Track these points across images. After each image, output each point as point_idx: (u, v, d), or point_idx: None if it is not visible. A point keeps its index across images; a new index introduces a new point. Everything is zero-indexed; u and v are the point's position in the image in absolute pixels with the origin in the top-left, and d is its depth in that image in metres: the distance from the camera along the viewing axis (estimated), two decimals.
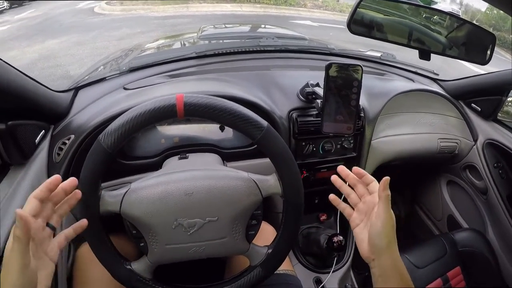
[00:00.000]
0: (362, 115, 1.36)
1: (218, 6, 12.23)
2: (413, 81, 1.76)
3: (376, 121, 1.44)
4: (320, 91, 1.14)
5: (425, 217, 2.20)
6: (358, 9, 1.07)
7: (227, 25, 3.05)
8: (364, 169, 1.44)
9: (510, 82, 1.55)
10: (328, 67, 0.98)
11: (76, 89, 1.34)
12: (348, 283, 1.50)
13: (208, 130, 1.25)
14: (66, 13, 10.80)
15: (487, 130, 1.73)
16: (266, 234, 1.17)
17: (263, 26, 3.15)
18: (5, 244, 0.84)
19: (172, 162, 1.13)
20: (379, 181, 0.77)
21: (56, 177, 0.68)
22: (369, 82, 1.50)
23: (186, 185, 0.82)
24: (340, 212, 1.32)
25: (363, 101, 1.39)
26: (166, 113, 0.75)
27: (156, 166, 1.16)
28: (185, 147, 1.22)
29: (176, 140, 1.23)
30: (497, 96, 1.64)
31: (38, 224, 0.67)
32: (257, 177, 0.86)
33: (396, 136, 1.60)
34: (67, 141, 1.09)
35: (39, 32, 8.46)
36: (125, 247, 1.06)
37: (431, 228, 2.14)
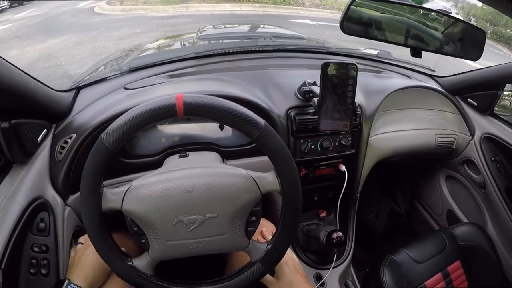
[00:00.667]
0: (358, 112, 1.37)
1: (218, 6, 12.22)
2: (409, 78, 1.77)
3: (373, 118, 1.46)
4: (317, 89, 1.15)
5: (425, 212, 2.21)
6: (350, 9, 1.08)
7: (226, 25, 3.06)
8: (362, 166, 1.46)
9: (506, 76, 1.56)
10: (324, 66, 1.00)
11: (78, 89, 1.36)
12: (349, 278, 1.51)
13: (207, 129, 1.27)
14: (66, 12, 10.82)
15: (484, 124, 1.74)
16: (267, 230, 1.18)
17: (261, 26, 3.16)
18: (9, 239, 0.87)
19: (173, 161, 1.15)
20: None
21: None
22: (366, 79, 1.52)
23: (186, 183, 0.83)
24: (339, 208, 1.34)
25: (360, 98, 1.41)
26: (166, 113, 0.76)
27: (157, 164, 1.18)
28: (185, 146, 1.23)
29: (176, 139, 1.24)
30: (493, 91, 1.66)
31: None
32: (256, 174, 0.87)
33: (394, 132, 1.62)
34: (69, 140, 1.11)
35: (39, 31, 8.49)
36: (126, 243, 1.07)
37: (431, 223, 2.15)
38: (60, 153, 1.11)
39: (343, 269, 1.51)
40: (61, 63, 5.93)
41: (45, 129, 1.13)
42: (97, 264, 0.98)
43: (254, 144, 1.01)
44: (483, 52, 1.24)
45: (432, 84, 1.77)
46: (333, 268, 1.47)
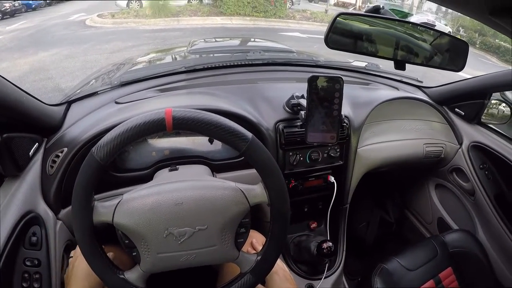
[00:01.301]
0: (345, 124, 1.39)
1: (209, 19, 12.31)
2: (397, 89, 1.80)
3: (361, 130, 1.47)
4: (304, 102, 1.16)
5: (416, 221, 2.22)
6: (334, 24, 1.10)
7: (217, 39, 3.08)
8: (351, 177, 1.47)
9: (491, 85, 1.60)
10: (310, 80, 1.02)
11: (69, 103, 1.36)
12: None
13: (197, 143, 1.28)
14: (57, 25, 10.82)
15: (471, 133, 1.76)
16: (257, 242, 1.19)
17: (252, 39, 3.19)
18: (1, 253, 0.87)
19: (163, 174, 1.16)
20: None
21: None
22: (354, 91, 1.55)
23: (176, 196, 0.84)
24: (329, 219, 1.35)
25: (348, 110, 1.43)
26: (156, 127, 0.78)
27: (147, 178, 1.19)
28: (175, 159, 1.24)
29: (166, 152, 1.25)
30: (480, 100, 1.68)
31: None
32: (244, 186, 0.89)
33: (382, 143, 1.64)
34: (60, 154, 1.12)
35: (30, 44, 8.48)
36: (118, 256, 1.07)
37: (422, 231, 2.16)
38: (52, 167, 1.12)
39: (335, 279, 1.52)
40: (52, 76, 5.92)
41: (37, 143, 1.14)
42: (90, 276, 0.99)
43: (243, 157, 1.02)
44: (473, 62, 1.26)
45: (419, 95, 1.79)
46: (325, 278, 1.48)
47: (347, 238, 1.63)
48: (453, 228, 1.92)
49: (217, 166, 1.28)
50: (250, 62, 1.69)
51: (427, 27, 1.31)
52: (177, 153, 1.26)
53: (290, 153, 1.35)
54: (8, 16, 12.26)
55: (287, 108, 1.34)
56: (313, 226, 1.61)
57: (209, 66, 1.60)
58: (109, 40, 8.95)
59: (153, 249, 0.85)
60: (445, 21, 18.55)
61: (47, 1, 15.32)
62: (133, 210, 0.83)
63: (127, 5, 12.70)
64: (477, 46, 15.70)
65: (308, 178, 1.43)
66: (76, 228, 0.80)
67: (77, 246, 1.07)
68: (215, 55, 2.30)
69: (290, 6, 15.66)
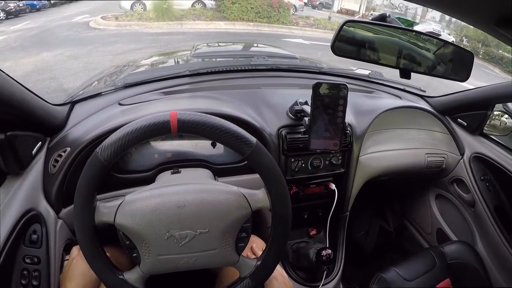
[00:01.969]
0: (348, 131, 1.39)
1: (212, 24, 12.31)
2: (400, 98, 1.80)
3: (363, 138, 1.47)
4: (308, 109, 1.17)
5: (415, 231, 2.21)
6: (341, 32, 1.10)
7: (220, 44, 3.10)
8: (352, 185, 1.47)
9: (494, 96, 1.59)
10: (315, 86, 1.02)
11: (72, 103, 1.36)
12: None
13: (200, 146, 1.28)
14: (61, 26, 10.84)
15: (473, 144, 1.76)
16: (257, 247, 1.19)
17: (255, 45, 3.20)
18: (1, 250, 0.87)
19: (165, 177, 1.16)
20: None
21: None
22: (357, 99, 1.55)
23: (178, 198, 0.84)
24: (329, 226, 1.34)
25: (351, 118, 1.43)
26: (160, 129, 0.78)
27: (149, 180, 1.19)
28: (178, 162, 1.24)
29: (168, 155, 1.26)
30: (483, 111, 1.68)
31: None
32: (247, 191, 0.89)
33: (384, 152, 1.64)
34: (63, 154, 1.12)
35: (34, 44, 8.47)
36: (118, 257, 1.07)
37: (421, 241, 2.15)
38: (54, 166, 1.12)
39: (332, 287, 1.52)
40: (55, 76, 5.92)
41: (40, 142, 1.14)
42: (86, 276, 0.98)
43: (246, 161, 1.02)
44: (476, 72, 1.26)
45: (422, 104, 1.79)
46: (323, 285, 1.47)
47: (346, 246, 1.63)
48: (452, 239, 1.91)
49: (219, 170, 1.28)
50: (254, 67, 1.69)
51: (433, 36, 1.31)
52: (179, 156, 1.26)
53: (292, 159, 1.35)
54: (12, 16, 12.27)
55: (290, 114, 1.34)
56: (313, 233, 1.60)
57: (213, 70, 1.61)
58: (112, 42, 8.97)
59: (154, 250, 0.85)
60: (448, 31, 18.58)
61: (52, 1, 15.34)
62: (135, 211, 0.83)
63: (131, 7, 12.71)
64: (480, 56, 15.71)
65: (309, 185, 1.43)
66: (77, 227, 0.80)
67: (73, 247, 1.08)
68: (218, 59, 2.31)
69: (293, 12, 15.68)
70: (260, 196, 0.88)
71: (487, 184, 1.73)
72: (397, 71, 1.25)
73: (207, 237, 0.85)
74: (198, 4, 13.87)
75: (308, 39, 11.34)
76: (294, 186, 1.40)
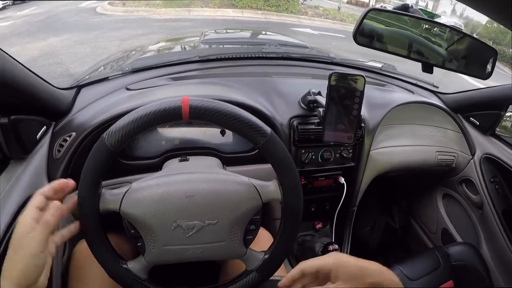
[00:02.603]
0: (362, 125, 1.37)
1: (220, 11, 12.29)
2: (413, 93, 1.76)
3: (375, 132, 1.45)
4: (322, 99, 1.14)
5: (420, 229, 2.19)
6: (364, 21, 1.07)
7: (228, 31, 3.06)
8: (361, 179, 1.45)
9: (509, 97, 1.55)
10: (331, 77, 0.99)
11: (79, 87, 1.34)
12: None
13: (208, 134, 1.26)
14: (68, 11, 10.85)
15: (485, 144, 1.72)
16: (263, 239, 1.17)
17: (264, 32, 3.17)
18: (3, 237, 0.85)
19: (173, 164, 1.13)
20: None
21: (63, 182, 0.71)
22: (369, 92, 1.51)
23: (187, 187, 0.82)
24: (336, 220, 1.32)
25: (363, 111, 1.40)
26: (171, 115, 0.75)
27: (156, 167, 1.17)
28: (185, 150, 1.22)
29: (176, 142, 1.23)
30: (496, 111, 1.64)
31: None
32: (258, 182, 0.86)
33: (395, 147, 1.61)
34: (68, 138, 1.10)
35: (41, 29, 8.50)
36: (122, 246, 1.06)
37: (425, 241, 2.13)
38: (59, 151, 1.10)
39: None
40: (61, 61, 5.93)
41: (45, 126, 1.11)
42: (101, 277, 0.97)
43: (255, 151, 0.99)
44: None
45: (435, 100, 1.76)
46: None
47: (351, 241, 1.61)
48: (457, 240, 1.89)
49: (227, 159, 1.25)
50: (265, 55, 1.67)
51: (458, 30, 1.28)
52: (187, 143, 1.24)
53: (303, 151, 1.33)
54: (19, 2, 12.27)
55: (302, 105, 1.32)
56: (319, 227, 1.59)
57: (224, 57, 1.58)
58: (119, 28, 8.97)
59: (160, 240, 0.83)
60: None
61: None
62: (142, 199, 0.81)
63: None
64: None
65: (318, 178, 1.41)
66: (81, 214, 0.78)
67: (81, 242, 1.07)
68: (228, 46, 2.28)
69: (302, 1, 15.64)
70: (271, 188, 0.85)
71: (497, 186, 1.70)
72: (409, 65, 1.23)
73: (215, 228, 0.83)
74: None
75: (317, 29, 11.30)
76: (303, 178, 1.38)
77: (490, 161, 1.69)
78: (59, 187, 0.71)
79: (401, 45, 1.18)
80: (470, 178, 1.77)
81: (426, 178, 2.06)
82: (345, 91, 1.00)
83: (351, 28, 1.14)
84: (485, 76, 1.17)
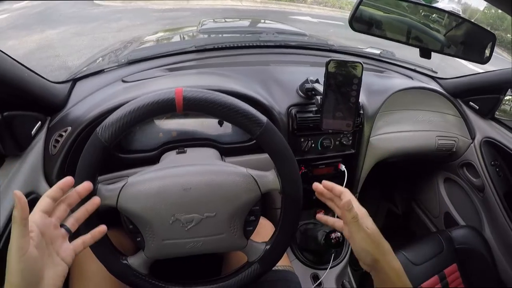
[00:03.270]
0: (361, 112, 1.36)
1: (219, 0, 12.19)
2: (412, 78, 1.76)
3: (375, 118, 1.44)
4: (319, 87, 1.13)
5: (422, 214, 2.20)
6: (360, 6, 1.06)
7: (227, 19, 3.04)
8: (362, 166, 1.44)
9: (508, 81, 1.55)
10: (328, 64, 0.98)
11: (74, 81, 1.33)
12: (346, 279, 1.50)
13: (206, 125, 1.25)
14: (65, 3, 10.75)
15: (484, 128, 1.72)
16: (264, 230, 1.16)
17: (262, 21, 3.14)
18: (0, 236, 0.84)
19: (170, 157, 1.12)
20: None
21: (68, 178, 0.68)
22: (368, 79, 1.50)
23: (184, 180, 0.81)
24: None
25: (362, 98, 1.39)
26: (165, 107, 0.74)
27: (153, 160, 1.16)
28: (183, 142, 1.21)
29: (174, 134, 1.22)
30: (495, 95, 1.64)
31: (49, 221, 0.67)
32: (256, 172, 0.86)
33: (395, 133, 1.60)
34: (63, 133, 1.09)
35: (38, 21, 8.43)
36: (121, 241, 1.05)
37: (428, 225, 2.14)
38: (55, 146, 1.09)
39: (340, 270, 1.50)
40: (59, 54, 5.88)
41: (40, 122, 1.11)
42: (101, 274, 0.96)
43: (254, 141, 0.98)
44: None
45: (434, 85, 1.75)
46: (330, 268, 1.46)
47: None
48: (459, 224, 1.90)
49: (226, 150, 1.24)
50: (263, 44, 1.65)
51: (456, 15, 1.27)
52: (185, 135, 1.23)
53: (302, 139, 1.32)
54: None
55: (300, 93, 1.30)
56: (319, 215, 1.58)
57: (221, 46, 1.57)
58: (117, 18, 8.90)
59: (159, 235, 0.82)
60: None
61: None
62: (139, 194, 0.80)
63: None
64: None
65: (318, 166, 1.39)
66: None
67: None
68: (226, 35, 2.27)
69: None
70: (270, 178, 0.85)
71: (497, 169, 1.70)
72: (408, 51, 1.22)
73: (214, 221, 0.83)
74: None
75: (316, 17, 11.22)
76: (303, 166, 1.37)
77: (490, 144, 1.69)
78: (65, 184, 0.69)
79: (399, 31, 1.17)
80: (471, 161, 1.77)
81: (427, 163, 2.05)
82: (343, 78, 0.98)
83: None
84: (483, 60, 1.16)
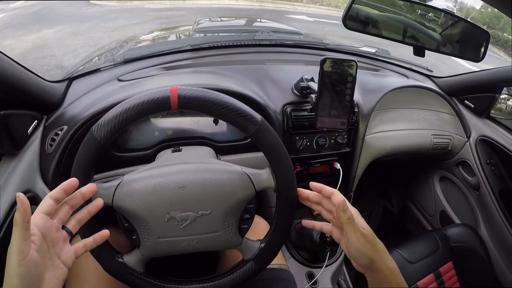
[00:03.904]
0: (356, 110, 1.36)
1: None
2: (407, 77, 1.76)
3: (370, 117, 1.44)
4: (314, 86, 1.13)
5: (418, 212, 2.20)
6: (353, 5, 1.07)
7: (222, 18, 3.05)
8: (357, 164, 1.44)
9: (504, 79, 1.55)
10: (323, 62, 0.98)
11: (70, 80, 1.33)
12: (341, 278, 1.50)
13: (201, 123, 1.25)
14: (61, 2, 10.71)
15: (480, 126, 1.73)
16: (259, 228, 1.17)
17: (258, 20, 3.15)
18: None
19: (166, 155, 1.13)
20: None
21: (73, 179, 0.68)
22: (363, 77, 1.51)
23: (179, 178, 0.82)
24: None
25: (357, 96, 1.40)
26: (160, 106, 0.75)
27: (149, 158, 1.16)
28: (179, 140, 1.21)
29: (169, 132, 1.22)
30: (490, 93, 1.65)
31: (51, 223, 0.66)
32: (251, 171, 0.86)
33: (390, 131, 1.61)
34: (59, 132, 1.08)
35: (34, 21, 8.40)
36: (117, 239, 1.05)
37: (424, 223, 2.15)
38: (51, 145, 1.08)
39: (335, 268, 1.50)
40: (55, 54, 5.87)
41: (36, 121, 1.10)
42: (98, 272, 0.96)
43: (249, 139, 0.98)
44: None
45: (429, 84, 1.75)
46: (326, 266, 1.46)
47: None
48: (455, 222, 1.91)
49: (221, 148, 1.24)
50: (258, 43, 1.66)
51: (450, 13, 1.27)
52: (180, 133, 1.23)
53: (297, 138, 1.32)
54: None
55: (295, 91, 1.30)
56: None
57: (216, 45, 1.57)
58: (113, 18, 8.88)
59: (154, 233, 0.82)
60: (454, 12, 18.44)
61: None
62: (134, 192, 0.80)
63: None
64: None
65: (313, 164, 1.40)
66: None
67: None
68: (221, 34, 2.27)
69: None
70: (264, 176, 0.85)
71: (493, 168, 1.71)
72: (403, 50, 1.22)
73: (209, 219, 0.83)
74: None
75: (312, 16, 11.22)
76: (298, 165, 1.37)
77: (485, 143, 1.70)
78: (68, 186, 0.68)
79: (395, 30, 1.17)
80: (466, 160, 1.77)
81: (422, 162, 2.06)
82: (337, 77, 0.98)
83: None
84: (478, 58, 1.16)
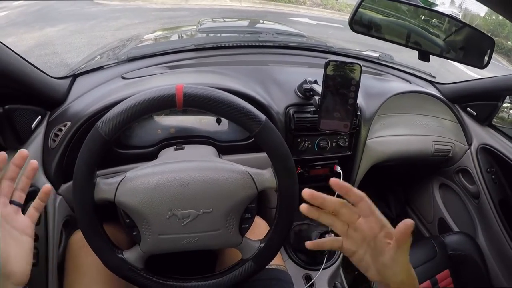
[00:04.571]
0: (359, 114, 1.36)
1: (217, 1, 12.20)
2: (410, 82, 1.76)
3: (372, 121, 1.44)
4: (318, 88, 1.13)
5: (416, 219, 2.20)
6: (359, 9, 1.07)
7: (225, 19, 3.05)
8: (358, 168, 1.44)
9: (507, 88, 1.55)
10: (327, 65, 0.98)
11: (74, 77, 1.33)
12: (338, 281, 1.50)
13: (204, 122, 1.25)
14: (64, 1, 10.73)
15: (481, 134, 1.73)
16: (259, 229, 1.17)
17: (261, 21, 3.16)
18: None
19: (168, 153, 1.13)
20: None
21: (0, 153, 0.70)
22: (366, 81, 1.51)
23: (181, 176, 0.82)
24: None
25: (360, 100, 1.40)
26: (165, 103, 0.75)
27: (151, 156, 1.16)
28: (181, 138, 1.21)
29: (172, 131, 1.22)
30: (493, 102, 1.64)
31: None
32: (253, 170, 0.86)
33: (391, 136, 1.60)
34: (63, 128, 1.09)
35: (37, 19, 8.41)
36: (117, 235, 1.06)
37: (422, 230, 2.14)
38: (54, 140, 1.09)
39: (332, 271, 1.50)
40: (57, 51, 5.87)
41: (40, 116, 1.11)
42: (98, 267, 0.97)
43: (252, 139, 0.99)
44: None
45: (432, 90, 1.75)
46: (323, 269, 1.46)
47: None
48: (453, 230, 1.91)
49: (223, 148, 1.24)
50: (262, 44, 1.66)
51: (456, 19, 1.27)
52: (183, 132, 1.23)
53: (299, 139, 1.32)
54: None
55: (298, 93, 1.31)
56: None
57: (220, 45, 1.57)
58: (116, 17, 8.90)
59: (155, 230, 0.83)
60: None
61: None
62: (136, 188, 0.80)
63: None
64: None
65: (314, 166, 1.40)
66: (76, 204, 0.78)
67: (76, 233, 1.07)
68: (225, 35, 2.27)
69: None
70: (267, 176, 0.85)
71: (493, 176, 1.71)
72: (407, 55, 1.22)
73: (211, 217, 0.83)
74: None
75: (315, 19, 11.24)
76: (299, 167, 1.37)
77: (486, 151, 1.70)
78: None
79: (399, 34, 1.18)
80: (467, 168, 1.77)
81: (422, 168, 2.06)
82: (341, 80, 0.99)
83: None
84: (482, 65, 1.16)
